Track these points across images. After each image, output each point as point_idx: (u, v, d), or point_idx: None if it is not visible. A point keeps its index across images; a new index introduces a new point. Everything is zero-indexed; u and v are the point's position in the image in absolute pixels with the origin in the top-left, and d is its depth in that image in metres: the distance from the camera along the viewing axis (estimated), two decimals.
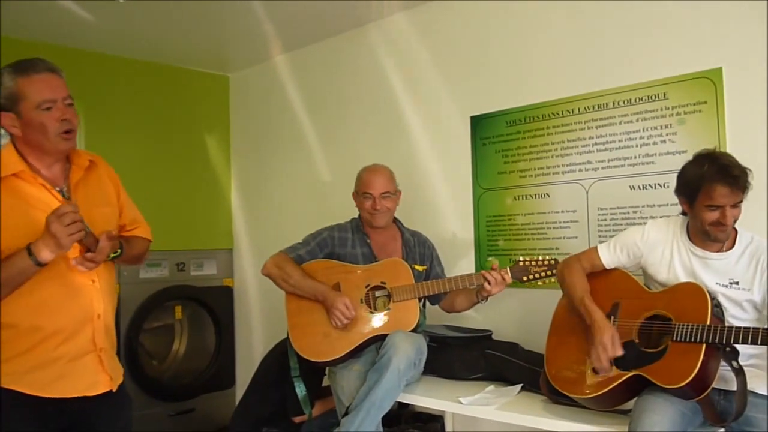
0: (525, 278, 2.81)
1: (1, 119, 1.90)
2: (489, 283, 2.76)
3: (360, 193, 3.02)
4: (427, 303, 3.06)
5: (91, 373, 1.96)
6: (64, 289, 1.91)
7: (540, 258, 2.82)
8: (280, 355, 3.16)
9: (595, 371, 2.22)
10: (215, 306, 4.66)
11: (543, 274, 2.79)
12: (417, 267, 2.98)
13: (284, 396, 3.14)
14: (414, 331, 2.79)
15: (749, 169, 2.11)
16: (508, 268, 2.80)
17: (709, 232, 2.15)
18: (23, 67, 1.88)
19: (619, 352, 2.17)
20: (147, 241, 2.26)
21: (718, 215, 2.11)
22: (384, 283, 2.84)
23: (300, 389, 3.01)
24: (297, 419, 3.16)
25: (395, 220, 3.13)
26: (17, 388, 1.86)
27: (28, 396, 1.86)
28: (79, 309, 1.93)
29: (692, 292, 2.14)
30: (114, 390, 2.00)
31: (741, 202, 2.13)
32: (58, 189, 1.95)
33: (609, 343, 2.18)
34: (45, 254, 1.77)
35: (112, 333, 2.07)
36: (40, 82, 1.88)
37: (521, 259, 2.84)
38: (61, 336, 1.90)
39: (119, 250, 2.03)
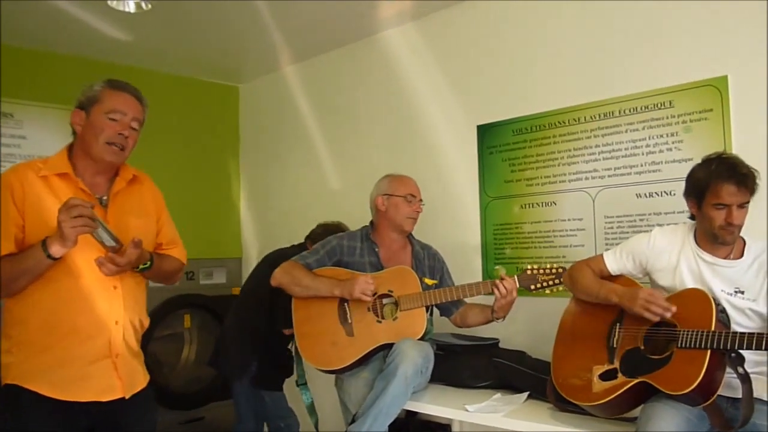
0: (533, 286, 2.77)
1: (73, 114, 2.03)
2: (498, 290, 2.72)
3: (402, 196, 2.95)
4: (435, 311, 3.06)
5: (106, 378, 1.98)
6: (85, 290, 1.94)
7: (548, 266, 2.78)
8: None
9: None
10: (224, 315, 4.64)
11: (551, 282, 2.75)
12: (427, 280, 2.94)
13: (271, 319, 3.27)
14: (421, 339, 2.78)
15: (757, 171, 2.12)
16: (516, 277, 2.78)
17: (717, 234, 2.15)
18: (114, 83, 2.06)
19: (664, 302, 2.16)
20: (180, 262, 2.30)
21: (725, 215, 2.12)
22: (391, 292, 2.83)
23: (306, 397, 3.01)
24: (287, 331, 3.18)
25: None
26: (37, 388, 1.88)
27: (50, 398, 1.88)
28: (97, 312, 1.96)
29: (697, 297, 2.14)
30: (126, 397, 2.01)
31: (747, 203, 2.13)
32: (98, 196, 2.03)
33: (651, 295, 2.18)
34: (55, 248, 1.81)
35: (132, 341, 2.09)
36: (119, 97, 2.03)
37: (529, 267, 2.80)
38: (77, 337, 1.93)
39: (149, 263, 2.06)
